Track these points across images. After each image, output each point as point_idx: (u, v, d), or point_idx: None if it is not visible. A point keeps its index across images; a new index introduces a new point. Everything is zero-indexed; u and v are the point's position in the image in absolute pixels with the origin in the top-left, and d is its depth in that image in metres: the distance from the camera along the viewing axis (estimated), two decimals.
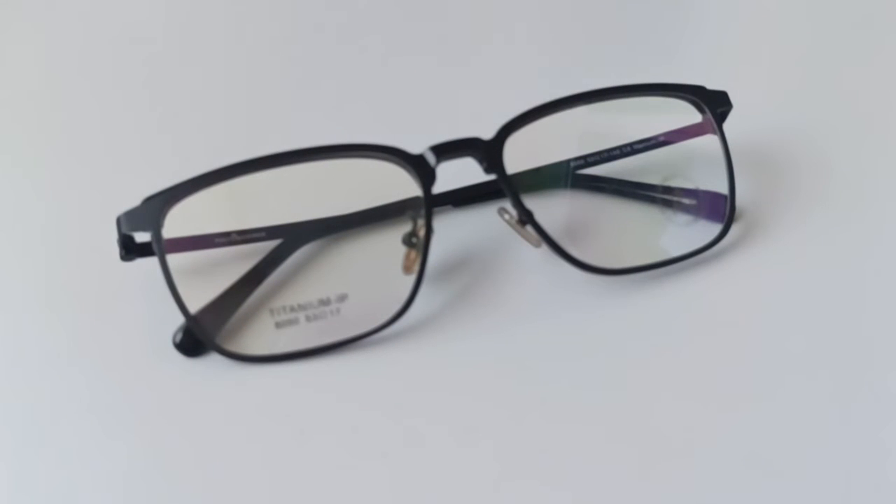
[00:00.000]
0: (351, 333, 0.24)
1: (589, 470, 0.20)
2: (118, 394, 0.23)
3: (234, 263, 0.25)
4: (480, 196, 0.28)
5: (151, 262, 0.23)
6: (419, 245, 0.24)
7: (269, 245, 0.26)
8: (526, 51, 0.38)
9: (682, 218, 0.27)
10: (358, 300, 0.24)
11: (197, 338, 0.23)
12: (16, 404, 0.22)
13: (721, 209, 0.27)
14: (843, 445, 0.21)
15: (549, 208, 0.26)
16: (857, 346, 0.23)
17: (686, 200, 0.27)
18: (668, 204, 0.28)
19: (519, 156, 0.25)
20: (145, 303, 0.25)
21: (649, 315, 0.24)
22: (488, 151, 0.24)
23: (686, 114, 0.27)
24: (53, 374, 0.23)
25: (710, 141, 0.27)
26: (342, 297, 0.24)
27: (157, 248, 0.23)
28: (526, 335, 0.24)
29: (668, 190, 0.28)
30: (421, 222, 0.24)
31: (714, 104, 0.27)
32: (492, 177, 0.25)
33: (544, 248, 0.25)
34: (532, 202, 0.25)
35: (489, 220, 0.27)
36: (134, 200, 0.23)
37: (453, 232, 0.27)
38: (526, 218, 0.25)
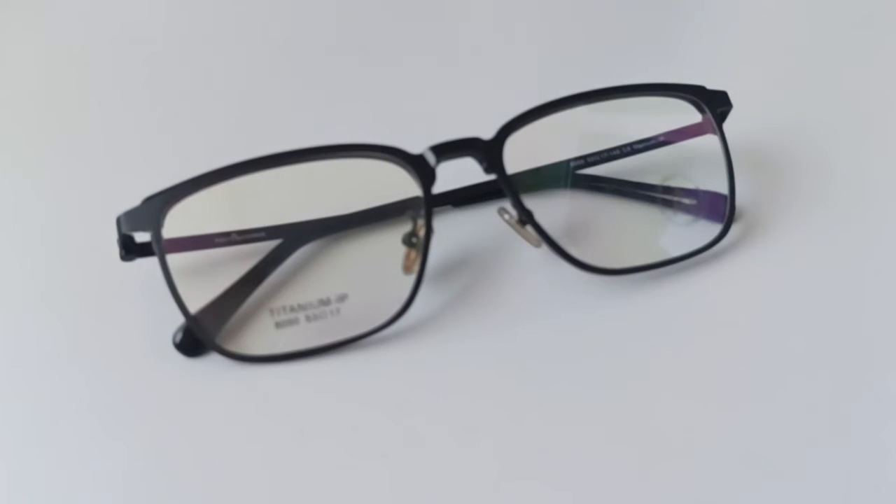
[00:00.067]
0: (351, 333, 0.24)
1: (589, 470, 0.20)
2: (118, 394, 0.23)
3: (234, 263, 0.25)
4: (480, 196, 0.28)
5: (151, 262, 0.23)
6: (419, 245, 0.24)
7: (269, 245, 0.26)
8: (526, 51, 0.38)
9: (682, 218, 0.27)
10: (358, 300, 0.24)
11: (197, 338, 0.23)
12: (16, 404, 0.22)
13: (721, 209, 0.27)
14: (843, 445, 0.21)
15: (549, 208, 0.26)
16: (857, 346, 0.23)
17: (686, 200, 0.27)
18: (668, 204, 0.28)
19: (519, 156, 0.25)
20: (145, 303, 0.25)
21: (649, 315, 0.24)
22: (488, 151, 0.24)
23: (686, 114, 0.27)
24: (53, 374, 0.23)
25: (710, 141, 0.27)
26: (342, 297, 0.24)
27: (157, 248, 0.23)
28: (526, 335, 0.24)
29: (668, 190, 0.28)
30: (421, 222, 0.24)
31: (714, 104, 0.27)
32: (492, 177, 0.25)
33: (544, 248, 0.25)
34: (532, 202, 0.25)
35: (489, 220, 0.27)
36: (134, 200, 0.23)
37: (453, 232, 0.27)
38: (526, 218, 0.25)
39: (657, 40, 0.38)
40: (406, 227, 0.25)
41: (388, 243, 0.25)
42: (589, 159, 0.29)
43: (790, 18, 0.40)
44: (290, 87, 0.36)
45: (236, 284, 0.25)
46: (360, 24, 0.40)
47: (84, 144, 0.33)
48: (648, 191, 0.28)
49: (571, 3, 0.41)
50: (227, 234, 0.26)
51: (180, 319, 0.23)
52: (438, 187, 0.24)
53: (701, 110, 0.27)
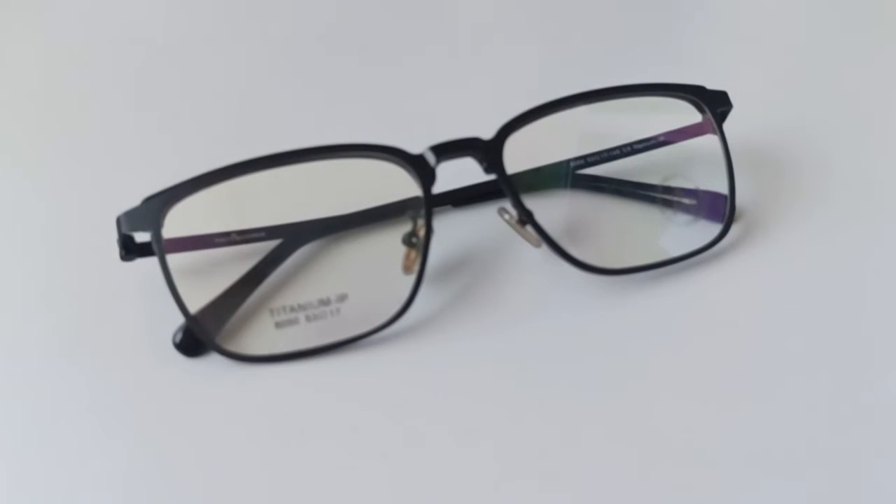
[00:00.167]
0: (351, 333, 0.24)
1: (589, 470, 0.20)
2: (118, 394, 0.23)
3: (234, 263, 0.25)
4: (480, 196, 0.28)
5: (151, 262, 0.23)
6: (419, 245, 0.24)
7: (269, 245, 0.26)
8: (526, 51, 0.38)
9: (682, 218, 0.27)
10: (358, 300, 0.24)
11: (197, 338, 0.23)
12: (16, 404, 0.22)
13: (721, 209, 0.27)
14: (844, 445, 0.21)
15: (549, 208, 0.26)
16: (857, 346, 0.23)
17: (686, 200, 0.27)
18: (668, 204, 0.28)
19: (519, 156, 0.25)
20: (145, 303, 0.25)
21: (649, 315, 0.24)
22: (488, 151, 0.24)
23: (686, 114, 0.27)
24: (53, 374, 0.23)
25: (710, 141, 0.27)
26: (342, 297, 0.24)
27: (157, 248, 0.23)
28: (526, 335, 0.24)
29: (668, 190, 0.28)
30: (421, 222, 0.24)
31: (714, 104, 0.27)
32: (492, 177, 0.25)
33: (544, 248, 0.25)
34: (532, 202, 0.25)
35: (489, 220, 0.27)
36: (134, 200, 0.23)
37: (453, 232, 0.27)
38: (526, 218, 0.25)
39: (657, 40, 0.38)
40: (406, 227, 0.24)
41: (388, 243, 0.25)
42: (589, 159, 0.29)
43: (790, 18, 0.40)
44: (290, 87, 0.36)
45: (236, 284, 0.25)
46: (360, 24, 0.40)
47: (84, 144, 0.33)
48: (648, 191, 0.28)
49: (571, 3, 0.41)
50: (227, 234, 0.26)
51: (180, 319, 0.23)
52: (438, 187, 0.24)
53: (701, 110, 0.27)
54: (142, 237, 0.24)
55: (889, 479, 0.20)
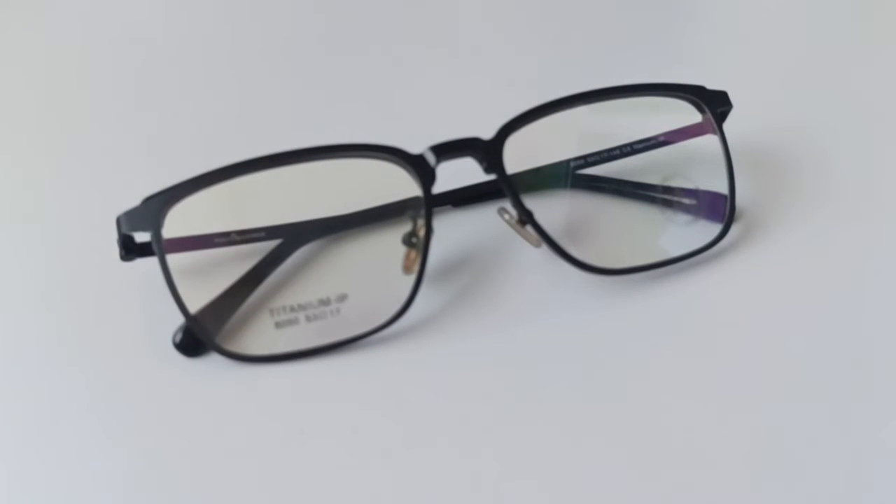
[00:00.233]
0: (351, 333, 0.24)
1: (589, 470, 0.20)
2: (118, 394, 0.23)
3: (234, 263, 0.25)
4: (480, 196, 0.28)
5: (151, 262, 0.23)
6: (419, 245, 0.24)
7: (269, 245, 0.26)
8: (526, 51, 0.38)
9: (682, 218, 0.27)
10: (358, 300, 0.24)
11: (197, 338, 0.23)
12: (16, 404, 0.22)
13: (721, 209, 0.27)
14: (843, 445, 0.21)
15: (549, 208, 0.26)
16: (857, 346, 0.23)
17: (686, 200, 0.27)
18: (668, 204, 0.28)
19: (519, 156, 0.25)
20: (145, 303, 0.25)
21: (649, 315, 0.24)
22: (488, 151, 0.24)
23: (686, 114, 0.27)
24: (53, 374, 0.23)
25: (710, 141, 0.27)
26: (342, 297, 0.24)
27: (157, 248, 0.23)
28: (526, 335, 0.24)
29: (668, 190, 0.28)
30: (421, 222, 0.24)
31: (714, 104, 0.27)
32: (492, 177, 0.25)
33: (544, 248, 0.25)
34: (532, 202, 0.25)
35: (489, 220, 0.27)
36: (134, 200, 0.23)
37: (453, 232, 0.27)
38: (526, 218, 0.25)
39: (657, 40, 0.38)
40: (406, 227, 0.24)
41: (388, 243, 0.25)
42: (589, 159, 0.28)
43: (790, 18, 0.40)
44: (290, 87, 0.36)
45: (236, 284, 0.25)
46: (361, 23, 0.40)
47: (84, 144, 0.33)
48: (648, 191, 0.28)
49: (571, 3, 0.41)
50: (227, 234, 0.26)
51: (180, 319, 0.23)
52: (438, 187, 0.24)
53: (701, 110, 0.27)
54: (142, 237, 0.24)
55: (889, 479, 0.20)
